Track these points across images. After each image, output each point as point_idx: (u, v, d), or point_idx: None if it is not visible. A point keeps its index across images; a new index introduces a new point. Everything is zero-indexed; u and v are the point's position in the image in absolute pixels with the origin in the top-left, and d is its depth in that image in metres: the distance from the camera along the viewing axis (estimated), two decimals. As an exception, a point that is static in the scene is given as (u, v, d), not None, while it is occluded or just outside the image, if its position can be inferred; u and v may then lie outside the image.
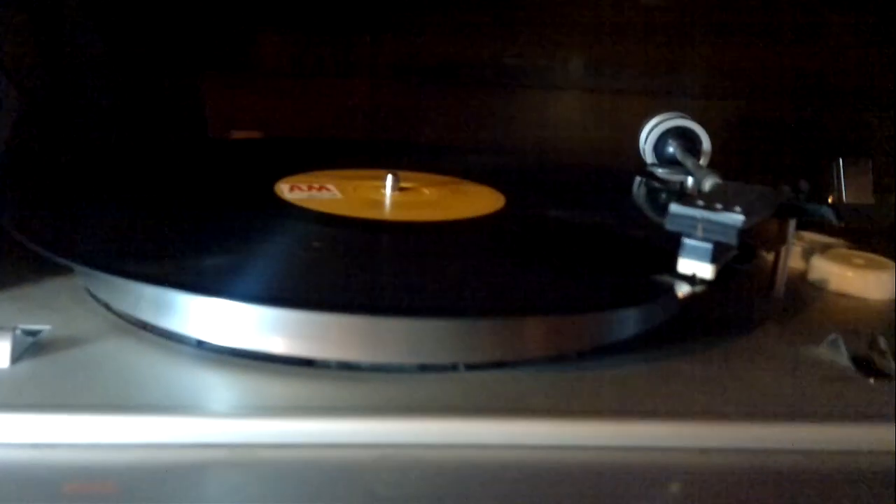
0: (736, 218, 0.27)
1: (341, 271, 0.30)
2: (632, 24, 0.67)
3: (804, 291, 0.39)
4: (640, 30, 0.67)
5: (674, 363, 0.30)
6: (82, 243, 0.31)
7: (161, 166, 0.46)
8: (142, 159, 0.48)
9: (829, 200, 0.60)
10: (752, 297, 0.36)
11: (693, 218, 0.28)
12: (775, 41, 0.66)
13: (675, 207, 0.28)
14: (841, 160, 0.59)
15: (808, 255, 0.42)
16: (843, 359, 0.31)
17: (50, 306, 0.31)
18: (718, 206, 0.28)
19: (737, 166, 0.66)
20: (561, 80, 0.69)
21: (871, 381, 0.29)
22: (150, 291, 0.28)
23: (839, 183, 0.60)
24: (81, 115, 0.49)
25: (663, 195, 0.49)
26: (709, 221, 0.28)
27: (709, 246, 0.28)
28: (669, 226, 0.28)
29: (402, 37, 0.69)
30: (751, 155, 0.67)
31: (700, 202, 0.29)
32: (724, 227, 0.27)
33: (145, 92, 0.58)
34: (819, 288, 0.40)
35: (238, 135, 0.57)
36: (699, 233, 0.28)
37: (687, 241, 0.28)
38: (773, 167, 0.66)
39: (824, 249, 0.42)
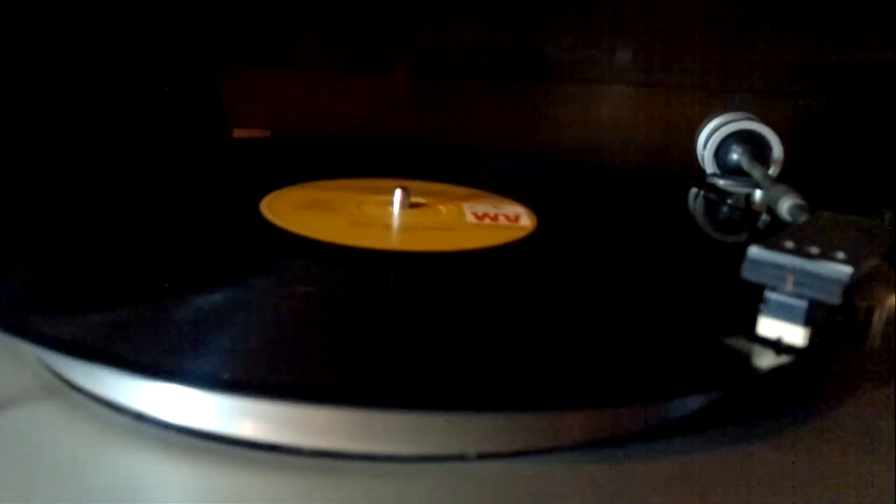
0: (841, 270, 0.20)
1: (323, 338, 0.23)
2: (686, 9, 0.60)
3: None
4: (695, 17, 0.60)
5: (740, 448, 0.23)
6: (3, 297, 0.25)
7: (127, 182, 0.40)
8: (112, 169, 0.41)
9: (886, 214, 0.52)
10: (840, 355, 0.29)
11: (781, 266, 0.21)
12: (851, 29, 0.58)
13: (755, 251, 0.21)
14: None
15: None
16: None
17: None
18: (814, 250, 0.21)
19: (807, 174, 0.59)
20: (607, 73, 0.62)
21: None
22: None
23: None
24: (54, 113, 0.43)
25: (724, 209, 0.42)
26: (802, 272, 0.21)
27: (803, 304, 0.21)
28: (747, 274, 0.22)
29: (434, 27, 0.63)
30: (823, 160, 0.59)
31: (789, 244, 0.22)
32: (825, 280, 0.20)
33: (144, 86, 0.53)
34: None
35: (240, 133, 0.51)
36: (788, 286, 0.21)
37: (772, 296, 0.21)
38: (851, 175, 0.58)
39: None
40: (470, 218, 0.34)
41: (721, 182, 0.42)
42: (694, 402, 0.24)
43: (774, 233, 0.23)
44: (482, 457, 0.21)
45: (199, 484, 0.21)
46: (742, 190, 0.41)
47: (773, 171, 0.42)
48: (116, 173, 0.41)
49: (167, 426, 0.22)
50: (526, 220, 0.34)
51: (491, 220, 0.33)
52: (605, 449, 0.23)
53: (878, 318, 0.30)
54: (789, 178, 0.46)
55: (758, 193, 0.40)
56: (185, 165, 0.44)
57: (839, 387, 0.27)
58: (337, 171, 0.40)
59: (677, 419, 0.24)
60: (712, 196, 0.43)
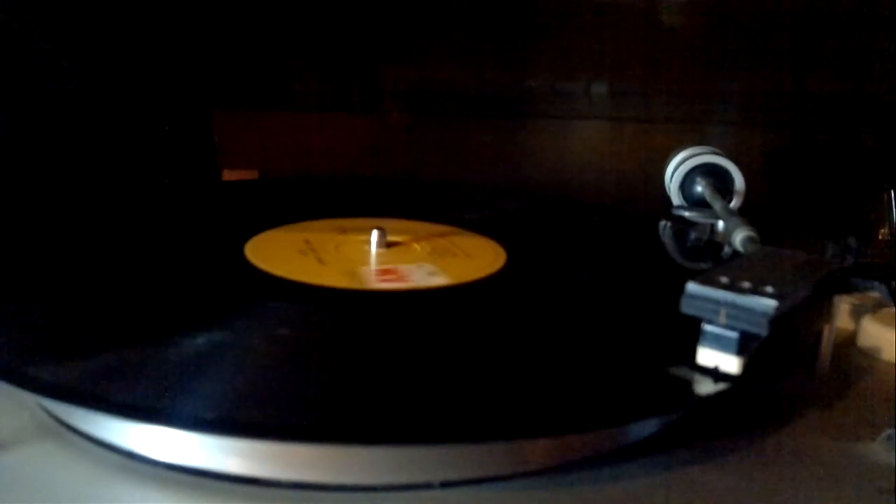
0: (766, 304, 0.22)
1: (299, 378, 0.25)
2: (660, 46, 0.62)
3: (853, 362, 0.34)
4: (669, 52, 0.62)
5: (693, 472, 0.25)
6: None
7: (116, 227, 0.41)
8: (93, 218, 0.43)
9: (880, 236, 0.55)
10: (787, 380, 0.31)
11: (714, 301, 0.23)
12: (817, 64, 0.61)
13: (692, 287, 0.23)
14: (893, 191, 0.53)
15: (857, 313, 0.37)
16: (900, 462, 0.25)
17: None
18: (746, 285, 0.23)
19: (778, 200, 0.61)
20: (583, 107, 0.64)
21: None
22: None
23: (891, 215, 0.54)
24: (51, 159, 0.45)
25: (690, 240, 0.44)
26: (734, 306, 0.23)
27: (734, 335, 0.23)
28: (686, 309, 0.24)
29: (413, 64, 0.65)
30: (793, 187, 0.62)
31: (724, 279, 0.24)
32: (752, 313, 0.22)
33: (138, 131, 0.55)
34: (871, 357, 0.34)
35: (230, 175, 0.53)
36: (722, 319, 0.23)
37: (707, 328, 0.23)
38: (819, 200, 0.61)
39: (877, 308, 0.37)
40: (443, 255, 0.36)
41: (686, 213, 0.44)
42: (643, 429, 0.26)
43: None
44: (446, 485, 0.23)
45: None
46: (705, 221, 0.43)
47: (735, 201, 0.45)
48: (110, 217, 0.43)
49: (156, 463, 0.24)
50: (497, 258, 0.36)
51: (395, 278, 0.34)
52: (562, 474, 0.24)
53: (826, 346, 0.31)
54: (762, 207, 0.48)
55: (720, 224, 0.42)
56: (175, 209, 0.46)
57: (788, 411, 0.29)
58: (320, 212, 0.42)
59: (630, 445, 0.26)
60: (679, 227, 0.45)
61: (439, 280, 0.33)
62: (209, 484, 0.23)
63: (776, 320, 0.22)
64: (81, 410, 0.24)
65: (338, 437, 0.21)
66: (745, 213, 0.41)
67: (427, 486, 0.23)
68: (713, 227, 0.44)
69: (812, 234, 0.42)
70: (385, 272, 0.33)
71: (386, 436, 0.22)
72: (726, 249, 0.41)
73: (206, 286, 0.32)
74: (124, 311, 0.29)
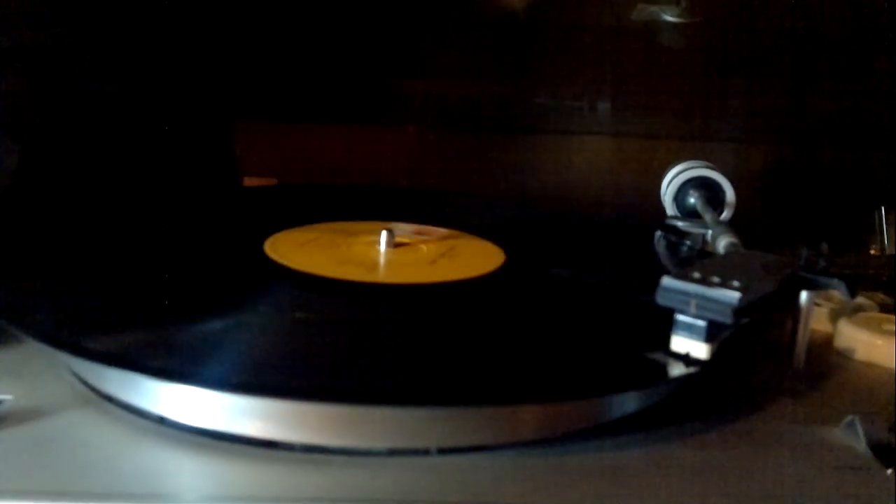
0: (731, 295, 0.25)
1: (312, 350, 0.28)
2: (661, 65, 0.65)
3: (828, 361, 0.36)
4: (669, 71, 0.65)
5: (669, 448, 0.27)
6: (46, 318, 0.30)
7: (148, 223, 0.45)
8: (129, 215, 0.47)
9: (872, 251, 0.57)
10: (766, 370, 0.34)
11: (685, 293, 0.26)
12: (814, 83, 0.63)
13: (666, 281, 0.26)
14: (883, 209, 0.56)
15: (835, 316, 0.39)
16: (860, 444, 0.28)
17: (18, 372, 0.30)
18: (715, 279, 0.26)
19: (773, 214, 0.64)
20: (587, 123, 0.67)
21: (889, 471, 0.26)
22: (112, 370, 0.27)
23: (882, 233, 0.57)
24: (85, 164, 0.49)
25: (685, 248, 0.46)
26: (703, 297, 0.25)
27: (702, 324, 0.25)
28: (660, 300, 0.26)
29: (426, 80, 0.68)
30: (788, 202, 0.64)
31: (696, 274, 0.26)
32: (719, 304, 0.25)
33: (167, 139, 0.58)
34: (845, 356, 0.37)
35: (251, 182, 0.56)
36: (692, 309, 0.26)
37: (679, 317, 0.26)
38: (813, 215, 0.63)
39: (853, 312, 0.39)
40: (447, 255, 0.39)
41: (679, 224, 0.46)
42: (624, 405, 0.28)
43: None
44: (443, 451, 0.26)
45: (210, 475, 0.25)
46: (697, 231, 0.46)
47: (726, 213, 0.47)
48: (146, 215, 0.47)
49: (183, 427, 0.26)
50: (496, 259, 0.39)
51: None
52: (552, 446, 0.27)
53: (801, 344, 0.34)
54: (760, 221, 0.50)
55: (709, 233, 0.45)
56: (203, 210, 0.49)
57: (765, 398, 0.32)
58: (334, 215, 0.45)
59: (613, 422, 0.28)
60: (672, 237, 0.47)
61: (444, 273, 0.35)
62: (231, 447, 0.26)
63: (741, 311, 0.25)
64: (117, 377, 0.27)
65: (346, 399, 0.24)
66: (740, 225, 0.43)
67: (425, 451, 0.26)
68: (703, 237, 0.46)
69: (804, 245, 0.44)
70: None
71: (394, 398, 0.24)
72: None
73: (231, 274, 0.35)
74: (160, 291, 0.33)
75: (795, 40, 0.62)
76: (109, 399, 0.28)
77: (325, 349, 0.28)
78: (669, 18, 0.63)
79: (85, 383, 0.29)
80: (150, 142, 0.55)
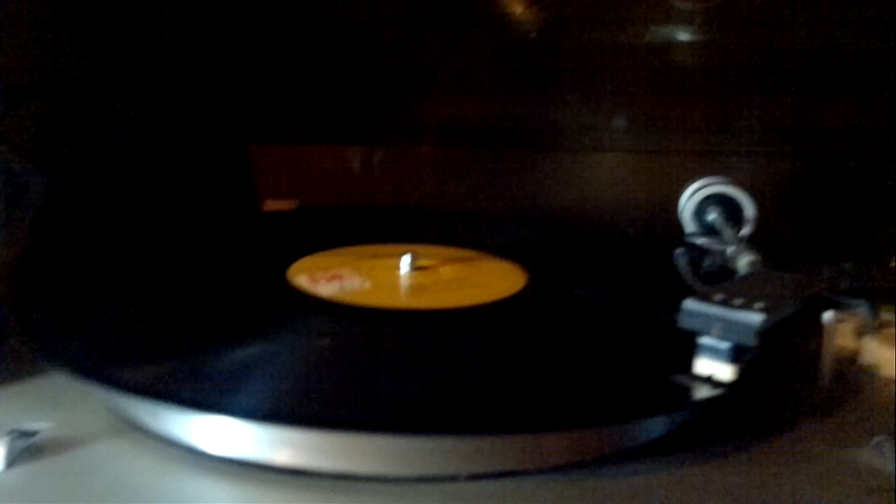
0: (754, 318, 0.25)
1: (339, 380, 0.28)
2: (677, 83, 0.65)
3: (854, 378, 0.36)
4: (685, 89, 0.65)
5: (696, 471, 0.27)
6: (79, 350, 0.30)
7: (173, 250, 0.46)
8: (155, 242, 0.48)
9: (893, 264, 0.57)
10: (791, 389, 0.34)
11: (708, 316, 0.26)
12: (832, 95, 0.63)
13: (688, 304, 0.26)
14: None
15: (860, 332, 0.39)
16: (888, 466, 0.28)
17: (54, 401, 0.31)
18: (737, 301, 0.26)
19: (793, 228, 0.63)
20: (604, 140, 0.67)
21: (919, 494, 0.26)
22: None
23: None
24: (111, 197, 0.50)
25: (706, 263, 0.46)
26: (726, 320, 0.25)
27: (726, 346, 0.26)
28: (683, 323, 0.26)
29: (445, 100, 0.68)
30: (808, 216, 0.64)
31: (718, 296, 0.26)
32: (742, 326, 0.25)
33: (186, 166, 0.59)
34: (871, 374, 0.37)
35: (272, 205, 0.57)
36: (715, 332, 0.26)
37: (703, 340, 0.26)
38: (832, 228, 0.63)
39: (879, 328, 0.39)
40: (469, 278, 0.39)
41: (698, 241, 0.46)
42: (649, 430, 0.28)
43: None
44: (472, 477, 0.26)
45: (242, 503, 0.26)
46: (717, 247, 0.46)
47: (747, 229, 0.47)
48: (172, 245, 0.47)
49: (213, 457, 0.27)
50: (518, 280, 0.39)
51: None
52: (579, 471, 0.27)
53: (826, 362, 0.34)
54: (779, 235, 0.49)
55: (729, 250, 0.45)
56: (226, 237, 0.50)
57: (790, 419, 0.31)
58: (354, 238, 0.46)
59: (639, 447, 0.28)
60: (693, 254, 0.47)
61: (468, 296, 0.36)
62: (261, 475, 0.26)
63: (764, 333, 0.25)
64: (149, 408, 0.28)
65: (374, 428, 0.25)
66: (761, 240, 0.43)
67: (454, 478, 0.26)
68: (724, 253, 0.46)
69: (826, 261, 0.44)
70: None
71: (423, 427, 0.25)
72: (738, 275, 0.43)
73: (255, 305, 0.35)
74: (186, 323, 0.33)
75: (809, 56, 0.62)
76: (141, 429, 0.29)
77: (353, 378, 0.28)
78: (685, 38, 0.64)
79: (117, 414, 0.30)
80: (172, 171, 0.56)
